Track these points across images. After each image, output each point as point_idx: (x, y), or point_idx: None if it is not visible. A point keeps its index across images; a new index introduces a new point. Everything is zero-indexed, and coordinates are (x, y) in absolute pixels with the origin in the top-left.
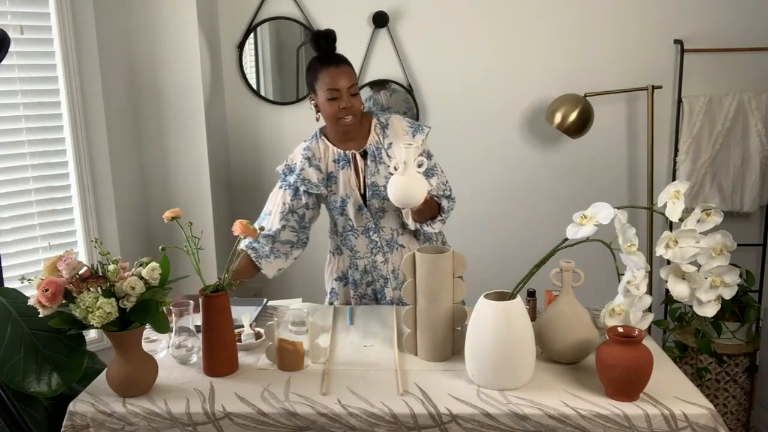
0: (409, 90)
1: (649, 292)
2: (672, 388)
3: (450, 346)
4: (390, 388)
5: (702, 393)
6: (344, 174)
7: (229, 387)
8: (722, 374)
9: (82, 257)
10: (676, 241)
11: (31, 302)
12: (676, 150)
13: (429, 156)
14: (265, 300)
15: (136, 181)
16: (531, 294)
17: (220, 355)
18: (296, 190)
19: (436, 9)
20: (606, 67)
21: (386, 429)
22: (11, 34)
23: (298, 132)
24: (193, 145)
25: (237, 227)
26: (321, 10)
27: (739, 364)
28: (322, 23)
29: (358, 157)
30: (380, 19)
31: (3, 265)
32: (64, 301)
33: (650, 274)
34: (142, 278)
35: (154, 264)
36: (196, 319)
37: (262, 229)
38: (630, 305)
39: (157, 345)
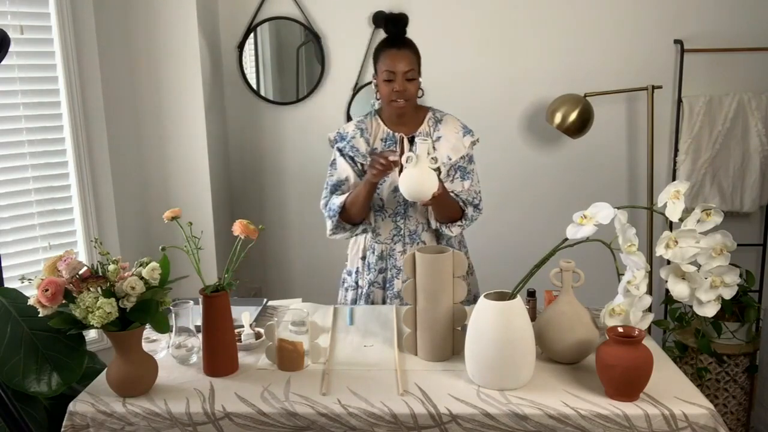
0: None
1: (649, 292)
2: (672, 388)
3: (450, 346)
4: (390, 388)
5: (702, 393)
6: None
7: (229, 387)
8: (722, 374)
9: (82, 257)
10: (676, 241)
11: (31, 302)
12: (676, 150)
13: (471, 160)
14: (265, 300)
15: (136, 181)
16: (531, 294)
17: (220, 355)
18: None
19: (436, 9)
20: (606, 67)
21: (386, 429)
22: (11, 34)
23: (298, 132)
24: (193, 145)
25: (237, 227)
26: (321, 10)
27: (739, 364)
28: (322, 23)
29: (406, 141)
30: (380, 19)
31: (3, 265)
32: (64, 301)
33: (650, 274)
34: (142, 278)
35: (154, 264)
36: (196, 319)
37: (343, 191)
38: (630, 305)
39: (157, 345)
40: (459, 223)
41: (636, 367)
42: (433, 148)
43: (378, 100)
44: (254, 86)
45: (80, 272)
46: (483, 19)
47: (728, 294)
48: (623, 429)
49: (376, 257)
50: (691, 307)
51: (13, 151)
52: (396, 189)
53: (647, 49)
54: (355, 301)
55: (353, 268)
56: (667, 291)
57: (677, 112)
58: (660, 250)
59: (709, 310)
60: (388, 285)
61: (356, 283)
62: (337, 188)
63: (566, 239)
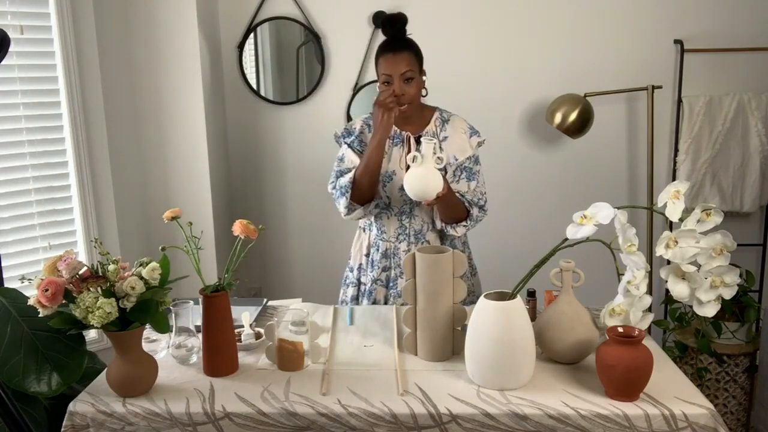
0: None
1: (649, 292)
2: (672, 388)
3: (450, 346)
4: (390, 388)
5: (702, 393)
6: (396, 151)
7: (229, 387)
8: (722, 374)
9: (82, 257)
10: (676, 241)
11: (31, 302)
12: (676, 150)
13: (476, 161)
14: (265, 300)
15: (136, 181)
16: (531, 294)
17: (220, 355)
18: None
19: (436, 9)
20: (606, 67)
21: (386, 429)
22: (11, 34)
23: (298, 132)
24: (193, 145)
25: (237, 227)
26: (321, 10)
27: (739, 364)
28: (322, 23)
29: (412, 140)
30: (380, 19)
31: (3, 265)
32: (64, 301)
33: (650, 274)
34: (142, 278)
35: (154, 264)
36: (196, 319)
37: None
38: (630, 305)
39: (157, 345)
40: (464, 223)
41: (636, 367)
42: (440, 148)
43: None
44: (254, 86)
45: (80, 272)
46: (483, 19)
47: (728, 294)
48: (623, 429)
49: (380, 254)
50: (691, 307)
51: (13, 151)
52: (401, 188)
53: (647, 49)
54: (356, 298)
55: (355, 264)
56: (667, 291)
57: (677, 112)
58: (660, 250)
59: (709, 310)
60: (391, 284)
61: (358, 280)
62: (343, 175)
63: (566, 239)
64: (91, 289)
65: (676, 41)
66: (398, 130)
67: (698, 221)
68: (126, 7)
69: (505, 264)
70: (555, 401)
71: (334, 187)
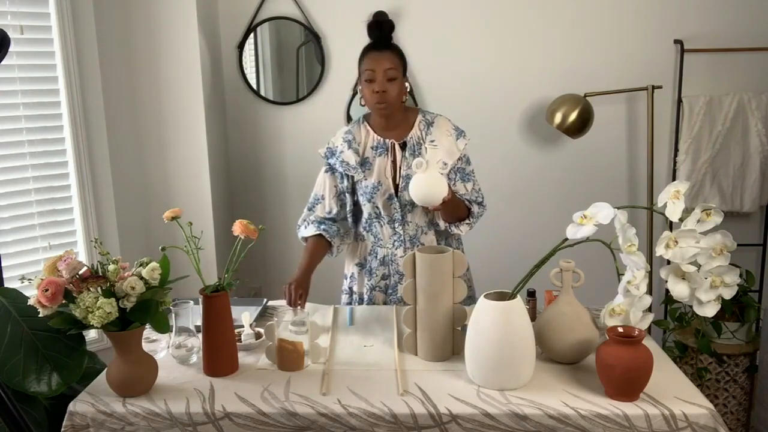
0: (409, 90)
1: (649, 292)
2: (672, 388)
3: (450, 346)
4: (390, 388)
5: (702, 393)
6: (380, 161)
7: (229, 387)
8: (722, 374)
9: (82, 257)
10: (676, 241)
11: (31, 302)
12: (676, 150)
13: (468, 162)
14: (265, 300)
15: (136, 181)
16: (531, 294)
17: (220, 355)
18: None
19: (436, 9)
20: (606, 67)
21: (386, 429)
22: (11, 34)
23: (298, 132)
24: (193, 145)
25: (237, 227)
26: (321, 10)
27: (739, 364)
28: (322, 23)
29: (397, 147)
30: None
31: (3, 265)
32: (64, 301)
33: (650, 274)
34: (142, 278)
35: (154, 264)
36: (196, 319)
37: (317, 213)
38: (630, 305)
39: (157, 345)
40: (467, 221)
41: (636, 367)
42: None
43: (363, 105)
44: (254, 86)
45: (80, 272)
46: (483, 19)
47: (728, 294)
48: (623, 429)
49: (378, 261)
50: (691, 307)
51: (13, 151)
52: (390, 197)
53: (647, 49)
54: (349, 305)
55: (348, 272)
56: (667, 291)
57: (677, 112)
58: (660, 250)
59: (709, 310)
60: (390, 291)
61: (350, 288)
62: (314, 206)
63: (566, 239)
64: (91, 289)
65: (676, 41)
66: (381, 139)
67: (698, 221)
68: (126, 7)
69: (505, 264)
70: (555, 401)
71: (304, 219)
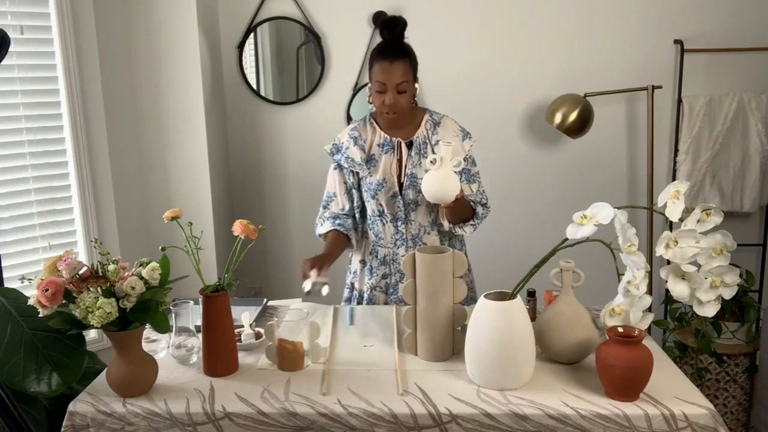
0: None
1: (649, 292)
2: (672, 388)
3: (450, 346)
4: (390, 388)
5: (702, 393)
6: (386, 159)
7: (229, 387)
8: (722, 374)
9: (82, 257)
10: (676, 241)
11: (31, 302)
12: (676, 150)
13: (473, 163)
14: (265, 300)
15: (136, 181)
16: (531, 294)
17: (220, 355)
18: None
19: (436, 9)
20: (606, 67)
21: (386, 429)
22: (11, 34)
23: (298, 132)
24: (193, 145)
25: (237, 227)
26: (321, 10)
27: (739, 364)
28: (322, 23)
29: (403, 145)
30: (379, 21)
31: (3, 265)
32: (64, 301)
33: (650, 274)
34: (142, 278)
35: (154, 264)
36: (196, 319)
37: (331, 210)
38: (630, 305)
39: (157, 345)
40: (471, 222)
41: (636, 367)
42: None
43: (371, 104)
44: (254, 86)
45: (80, 272)
46: (483, 18)
47: (728, 294)
48: (623, 429)
49: (378, 261)
50: (691, 307)
51: (13, 151)
52: (395, 195)
53: (647, 49)
54: (348, 300)
55: (353, 268)
56: (667, 291)
57: (677, 112)
58: (660, 250)
59: (709, 310)
60: (390, 290)
61: (352, 284)
62: (328, 204)
63: (566, 239)
64: (91, 289)
65: (676, 41)
66: (388, 137)
67: (698, 221)
68: (126, 7)
69: (505, 264)
70: (555, 401)
71: (320, 216)
